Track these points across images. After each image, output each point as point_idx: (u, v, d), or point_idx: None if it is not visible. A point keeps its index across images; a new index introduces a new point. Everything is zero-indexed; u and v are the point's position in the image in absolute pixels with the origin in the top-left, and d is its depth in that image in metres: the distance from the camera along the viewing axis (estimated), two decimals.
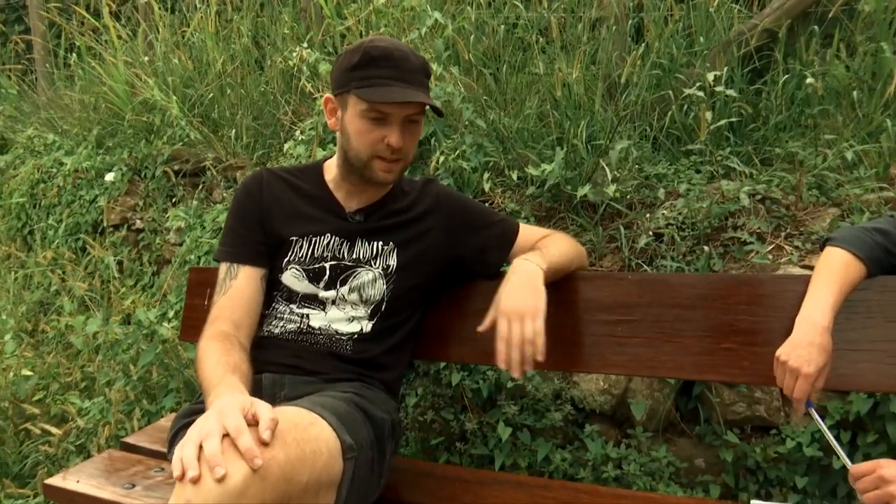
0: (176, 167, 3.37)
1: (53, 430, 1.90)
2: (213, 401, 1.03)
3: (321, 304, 1.39)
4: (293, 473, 0.96)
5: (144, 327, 2.30)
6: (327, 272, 1.38)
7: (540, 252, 1.36)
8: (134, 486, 1.49)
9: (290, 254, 1.39)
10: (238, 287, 1.37)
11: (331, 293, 1.39)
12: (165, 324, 2.34)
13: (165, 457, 1.63)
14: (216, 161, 3.21)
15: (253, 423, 0.94)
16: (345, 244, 1.40)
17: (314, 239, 1.39)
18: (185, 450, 0.91)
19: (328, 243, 1.39)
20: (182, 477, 0.89)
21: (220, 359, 1.19)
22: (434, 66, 2.39)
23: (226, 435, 0.92)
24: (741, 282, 1.36)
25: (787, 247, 1.93)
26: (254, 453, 0.90)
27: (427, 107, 1.33)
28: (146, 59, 3.79)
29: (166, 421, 1.86)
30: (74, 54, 4.27)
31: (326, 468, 1.04)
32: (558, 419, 2.00)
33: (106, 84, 3.79)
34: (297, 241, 1.39)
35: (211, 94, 3.39)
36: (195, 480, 0.88)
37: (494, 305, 1.28)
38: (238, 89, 3.49)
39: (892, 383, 1.25)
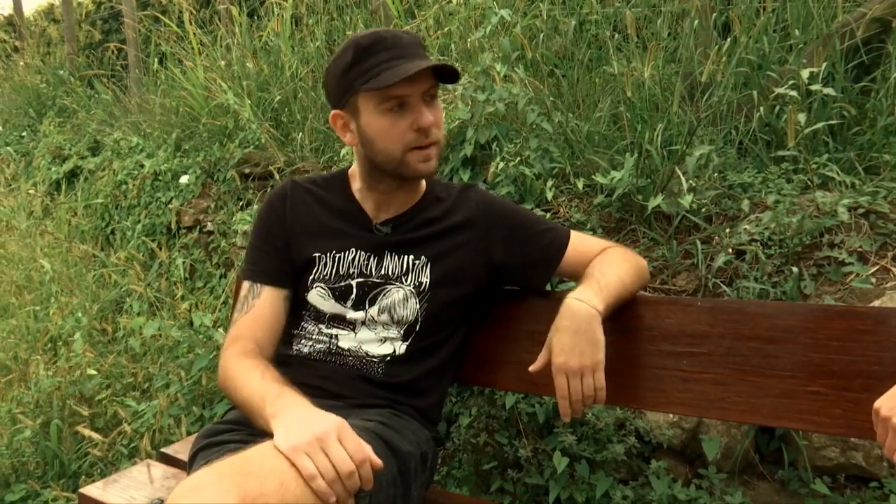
0: (247, 170, 3.39)
1: (96, 436, 1.91)
2: (280, 413, 1.01)
3: (350, 324, 1.29)
4: None
5: (200, 332, 2.29)
6: (354, 290, 1.28)
7: (595, 285, 1.20)
8: (162, 501, 1.45)
9: (314, 272, 1.29)
10: (260, 307, 1.29)
11: (359, 314, 1.28)
12: (222, 329, 2.32)
13: None
14: (284, 165, 3.20)
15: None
16: (372, 259, 1.29)
17: (338, 255, 1.29)
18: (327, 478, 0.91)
19: (353, 259, 1.29)
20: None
21: (264, 374, 1.14)
22: (498, 67, 2.26)
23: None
24: (835, 313, 1.15)
25: (894, 269, 1.68)
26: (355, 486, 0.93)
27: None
28: (223, 63, 3.85)
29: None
30: (157, 60, 4.41)
31: None
32: (621, 452, 1.81)
33: (185, 89, 3.89)
34: (320, 257, 1.29)
35: (279, 98, 3.39)
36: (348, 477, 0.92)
37: (546, 349, 1.16)
38: (310, 93, 3.48)
39: None
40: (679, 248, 1.93)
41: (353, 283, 1.28)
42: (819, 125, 1.94)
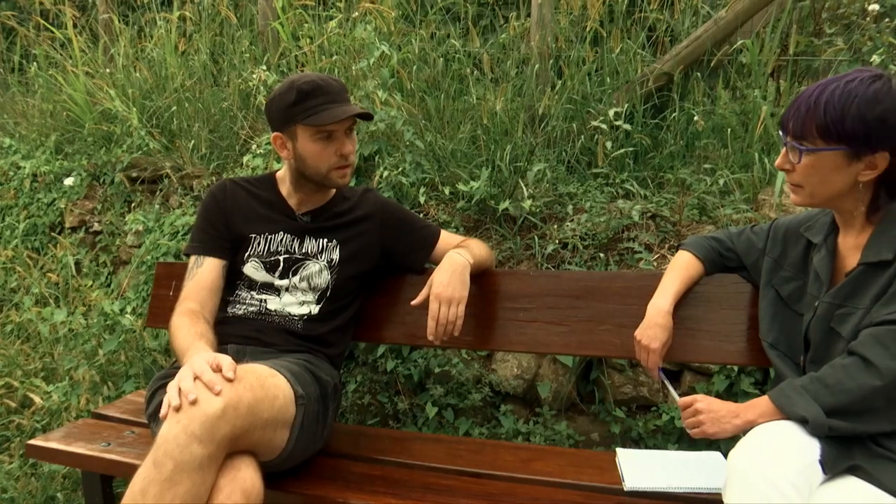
0: (134, 174, 3.58)
1: (38, 400, 2.10)
2: (187, 360, 1.32)
3: (276, 290, 1.68)
4: (258, 408, 1.25)
5: (109, 318, 2.51)
6: (281, 264, 1.67)
7: (468, 249, 1.69)
8: (110, 444, 1.73)
9: (250, 249, 1.68)
10: (203, 274, 1.66)
11: (284, 282, 1.68)
12: (129, 315, 2.56)
13: (135, 424, 1.87)
14: (174, 170, 3.43)
15: (218, 370, 1.25)
16: (296, 240, 1.69)
17: (270, 236, 1.69)
18: (170, 391, 1.22)
19: (281, 240, 1.69)
20: (177, 408, 1.18)
21: (189, 329, 1.49)
22: (380, 93, 2.72)
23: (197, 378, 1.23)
24: (615, 277, 1.72)
25: (669, 256, 2.32)
26: (214, 385, 1.20)
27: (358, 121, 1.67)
28: (107, 70, 3.98)
29: (134, 396, 2.10)
30: (35, 63, 4.42)
31: (283, 410, 1.34)
32: (478, 400, 2.32)
33: (65, 93, 3.97)
34: (255, 237, 1.68)
35: (173, 108, 3.62)
36: (192, 402, 1.17)
37: (428, 286, 1.60)
38: (195, 103, 3.73)
39: (725, 356, 1.62)
40: (521, 242, 2.48)
41: (281, 258, 1.67)
42: (621, 151, 2.58)
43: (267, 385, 1.30)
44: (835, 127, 1.15)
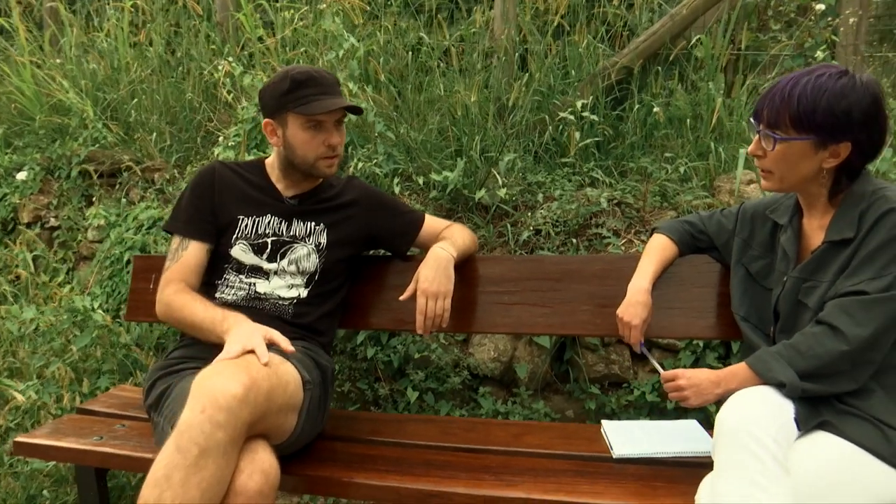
0: (92, 168, 3.49)
1: (20, 398, 2.06)
2: (233, 326, 1.44)
3: (265, 274, 1.70)
4: (273, 395, 1.29)
5: (80, 313, 2.48)
6: (269, 246, 1.70)
7: (451, 242, 1.75)
8: (102, 437, 1.73)
9: (237, 231, 1.70)
10: (187, 257, 1.68)
11: (273, 265, 1.70)
12: (101, 311, 2.53)
13: (124, 418, 1.87)
14: (134, 162, 3.37)
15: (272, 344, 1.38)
16: (283, 223, 1.72)
17: (258, 218, 1.71)
18: (232, 349, 1.36)
19: (269, 222, 1.72)
20: (265, 364, 1.33)
21: (203, 303, 1.56)
22: (350, 85, 2.75)
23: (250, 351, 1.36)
24: (594, 260, 1.82)
25: (635, 241, 2.44)
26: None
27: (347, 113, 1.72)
28: (58, 61, 3.86)
29: (117, 390, 2.09)
30: None
31: (293, 395, 1.38)
32: (457, 383, 2.40)
33: (10, 83, 3.83)
34: (243, 219, 1.71)
35: (135, 99, 3.55)
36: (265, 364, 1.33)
37: (415, 281, 1.65)
38: (152, 95, 3.66)
39: (697, 332, 1.74)
40: (495, 230, 2.56)
41: (269, 240, 1.70)
42: (588, 141, 2.69)
43: (280, 372, 1.34)
44: (807, 118, 1.26)
